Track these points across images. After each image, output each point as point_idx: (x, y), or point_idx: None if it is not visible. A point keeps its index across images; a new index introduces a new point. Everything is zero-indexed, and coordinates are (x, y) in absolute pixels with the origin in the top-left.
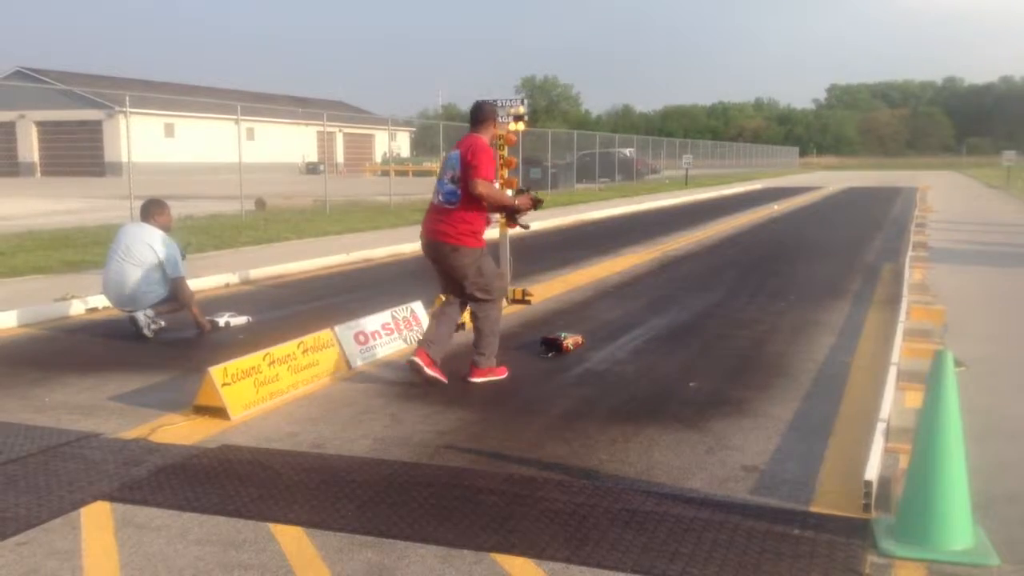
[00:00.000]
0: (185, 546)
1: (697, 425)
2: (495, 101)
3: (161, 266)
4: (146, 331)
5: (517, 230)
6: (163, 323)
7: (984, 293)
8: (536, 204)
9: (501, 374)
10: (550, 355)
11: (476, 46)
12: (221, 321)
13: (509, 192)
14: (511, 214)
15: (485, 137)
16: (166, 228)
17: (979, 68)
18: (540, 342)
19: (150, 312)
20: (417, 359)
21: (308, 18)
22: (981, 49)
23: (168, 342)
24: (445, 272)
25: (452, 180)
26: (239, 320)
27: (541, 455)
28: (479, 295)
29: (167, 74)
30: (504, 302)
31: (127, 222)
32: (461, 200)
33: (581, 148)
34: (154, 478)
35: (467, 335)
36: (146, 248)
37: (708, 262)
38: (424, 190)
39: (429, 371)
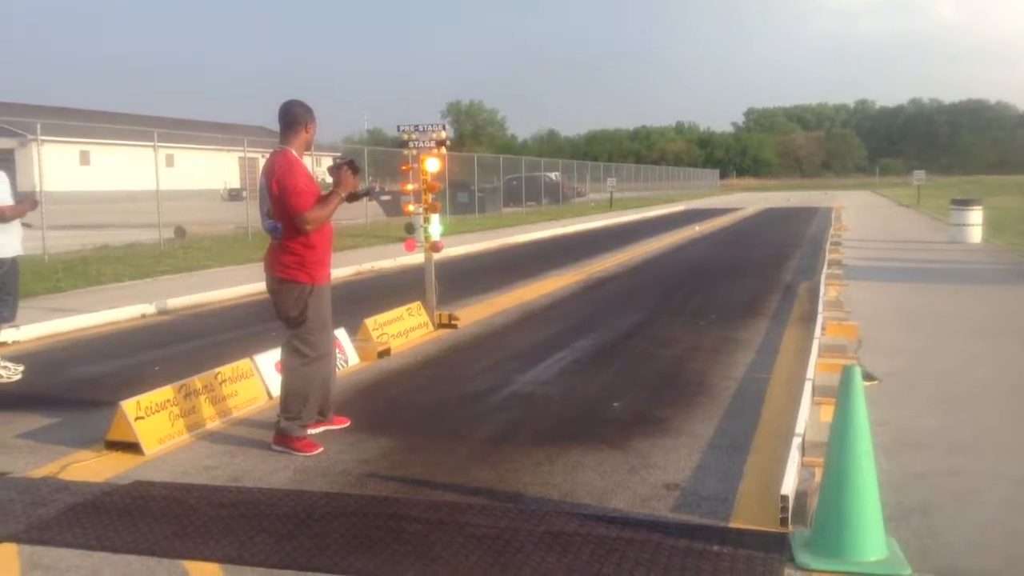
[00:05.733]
0: None
1: (620, 445)
2: (414, 127)
3: None
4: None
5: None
6: (21, 368)
7: (896, 308)
8: (355, 170)
9: (307, 451)
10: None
11: (402, 71)
12: None
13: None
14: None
15: (295, 148)
16: None
17: (889, 91)
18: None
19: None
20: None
21: (228, 42)
22: (891, 72)
23: (79, 376)
24: (275, 309)
25: (269, 215)
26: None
27: (466, 480)
28: (298, 345)
29: (83, 101)
30: (332, 357)
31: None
32: (284, 232)
33: (507, 172)
34: (63, 517)
35: (397, 360)
36: None
37: (632, 283)
38: (352, 215)
39: (315, 430)
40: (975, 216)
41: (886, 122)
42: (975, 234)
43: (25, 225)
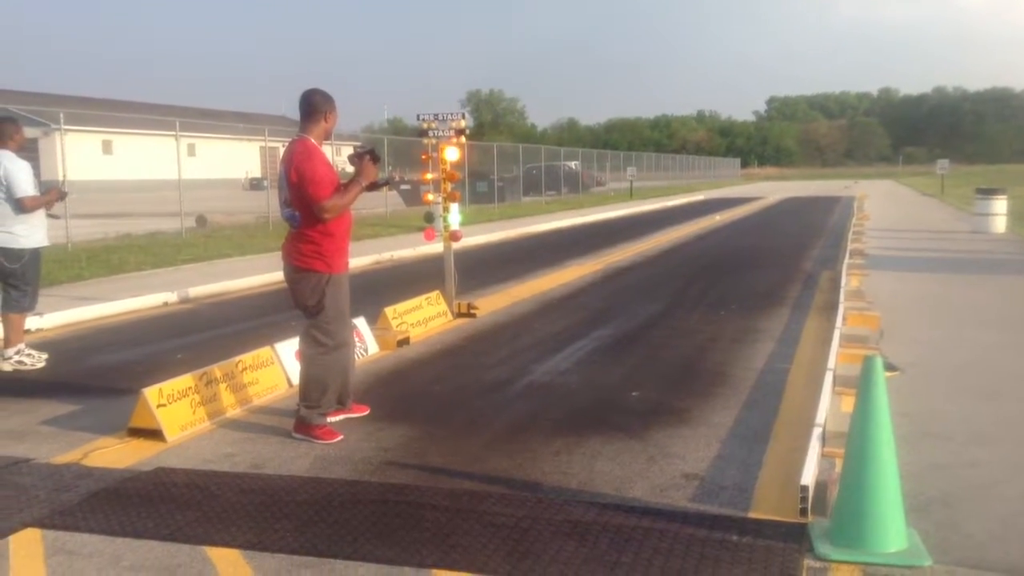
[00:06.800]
0: (117, 572)
1: (639, 434)
2: (432, 115)
3: (7, 188)
4: (17, 362)
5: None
6: (45, 356)
7: (918, 298)
8: (375, 159)
9: (327, 438)
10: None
11: (422, 60)
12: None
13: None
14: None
15: (315, 137)
16: (20, 147)
17: (913, 79)
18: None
19: (21, 347)
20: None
21: (250, 32)
22: (915, 60)
23: (102, 364)
24: (292, 299)
25: (287, 203)
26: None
27: (485, 469)
28: (316, 334)
29: (105, 90)
30: (353, 349)
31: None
32: (302, 221)
33: (527, 161)
34: (86, 503)
35: (416, 349)
36: None
37: (652, 273)
38: (372, 204)
39: (334, 418)
40: (999, 205)
41: (910, 111)
42: (999, 224)
43: (52, 216)
